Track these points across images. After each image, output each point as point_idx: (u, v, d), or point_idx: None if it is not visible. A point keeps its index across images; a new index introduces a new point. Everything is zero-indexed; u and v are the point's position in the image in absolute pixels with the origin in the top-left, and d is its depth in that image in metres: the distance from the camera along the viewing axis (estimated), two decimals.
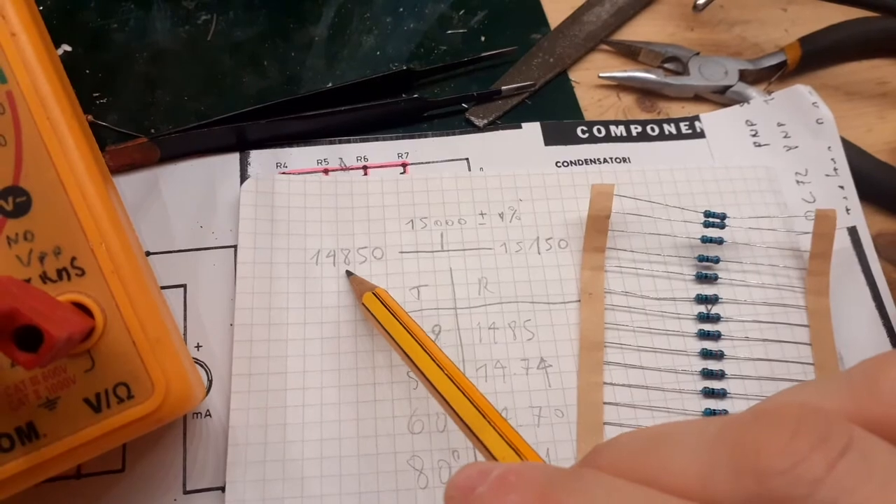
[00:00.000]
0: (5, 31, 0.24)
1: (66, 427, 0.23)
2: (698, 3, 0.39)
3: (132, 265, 0.24)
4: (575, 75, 0.40)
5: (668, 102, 0.39)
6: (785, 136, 0.37)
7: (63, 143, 0.24)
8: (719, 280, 0.33)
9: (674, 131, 0.37)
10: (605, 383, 0.30)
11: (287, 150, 0.35)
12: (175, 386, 0.24)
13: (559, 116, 0.37)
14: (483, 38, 0.40)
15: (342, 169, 0.35)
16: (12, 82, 0.24)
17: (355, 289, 0.31)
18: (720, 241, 0.33)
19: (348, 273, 0.32)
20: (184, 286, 0.31)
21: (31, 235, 0.23)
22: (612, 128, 0.37)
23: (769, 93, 0.38)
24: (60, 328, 0.19)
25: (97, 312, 0.23)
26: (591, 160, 0.36)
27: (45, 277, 0.23)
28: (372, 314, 0.28)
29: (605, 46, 0.41)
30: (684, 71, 0.39)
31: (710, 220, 0.33)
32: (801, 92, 0.37)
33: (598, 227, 0.32)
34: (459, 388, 0.24)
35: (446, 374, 0.24)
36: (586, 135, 0.37)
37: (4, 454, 0.22)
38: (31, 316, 0.18)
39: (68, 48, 0.37)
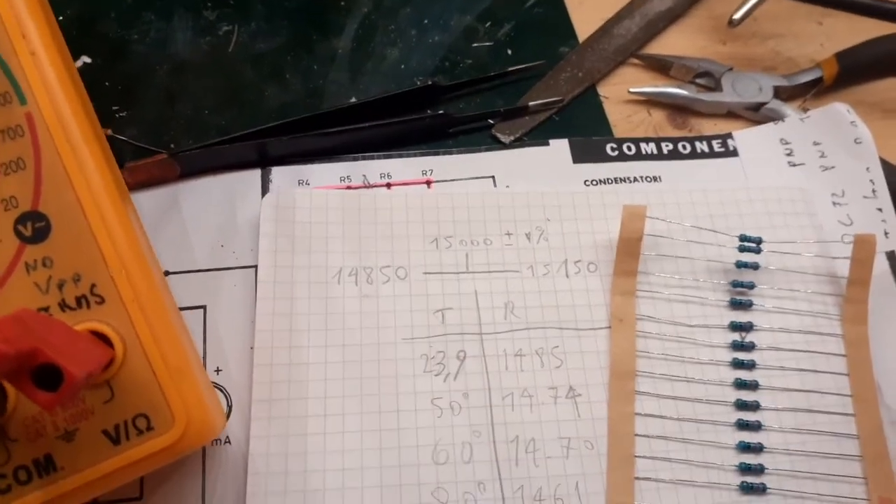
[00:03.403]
0: (25, 50, 0.23)
1: (85, 459, 0.22)
2: (734, 17, 0.38)
3: (152, 292, 0.23)
4: (604, 90, 0.39)
5: (699, 119, 0.38)
6: (821, 156, 0.36)
7: (83, 165, 0.23)
8: (754, 307, 0.32)
9: (706, 149, 0.36)
10: (636, 414, 0.29)
11: (309, 166, 0.34)
12: (195, 417, 0.23)
13: (588, 133, 0.36)
14: (510, 52, 0.39)
15: (365, 186, 0.34)
16: (32, 104, 0.23)
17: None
18: (755, 267, 0.32)
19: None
20: (203, 307, 0.30)
21: (49, 262, 0.23)
22: (643, 145, 0.36)
23: (805, 110, 0.37)
24: (80, 366, 0.18)
25: (117, 342, 0.22)
26: (620, 179, 0.35)
27: (63, 305, 0.22)
28: None
29: (634, 60, 0.40)
30: (717, 86, 0.38)
31: (746, 244, 0.32)
32: (838, 110, 0.36)
33: (629, 251, 0.31)
34: None
35: None
36: (616, 152, 0.36)
37: (21, 487, 0.22)
38: (51, 355, 0.17)
39: (88, 60, 0.37)
